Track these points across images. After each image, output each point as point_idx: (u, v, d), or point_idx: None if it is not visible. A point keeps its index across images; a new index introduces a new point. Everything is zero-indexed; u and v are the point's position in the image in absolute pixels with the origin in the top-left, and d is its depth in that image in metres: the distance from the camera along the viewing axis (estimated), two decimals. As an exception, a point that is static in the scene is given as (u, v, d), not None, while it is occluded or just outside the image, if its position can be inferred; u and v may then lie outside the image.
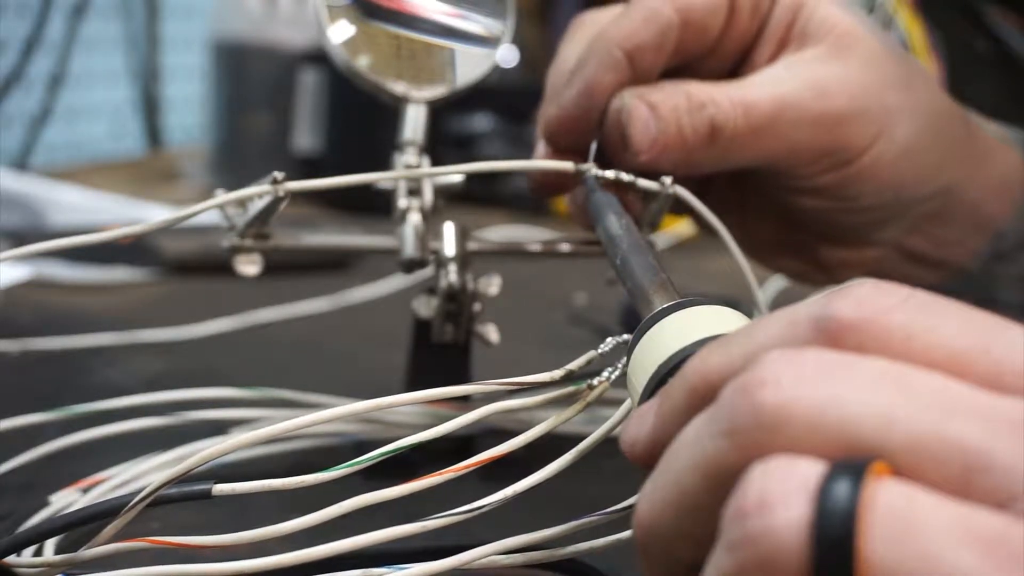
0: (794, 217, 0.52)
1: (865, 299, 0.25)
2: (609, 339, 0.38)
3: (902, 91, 0.48)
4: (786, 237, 0.53)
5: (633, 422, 0.29)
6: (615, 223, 0.40)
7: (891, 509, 0.22)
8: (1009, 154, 0.53)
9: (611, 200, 0.42)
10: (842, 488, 0.22)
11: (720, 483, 0.25)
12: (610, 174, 0.45)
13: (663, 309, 0.33)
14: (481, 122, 1.22)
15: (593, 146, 0.47)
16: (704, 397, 0.27)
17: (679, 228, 0.92)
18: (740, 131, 0.46)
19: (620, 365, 0.37)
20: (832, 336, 0.25)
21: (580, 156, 0.47)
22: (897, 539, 0.22)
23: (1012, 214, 0.52)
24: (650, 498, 0.27)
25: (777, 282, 0.75)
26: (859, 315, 0.25)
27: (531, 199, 1.07)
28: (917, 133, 0.49)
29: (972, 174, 0.51)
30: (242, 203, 0.46)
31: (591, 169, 0.45)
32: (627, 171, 0.46)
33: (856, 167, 0.48)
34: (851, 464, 0.23)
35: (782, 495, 0.23)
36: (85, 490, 0.44)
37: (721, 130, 0.46)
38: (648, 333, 0.32)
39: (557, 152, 0.49)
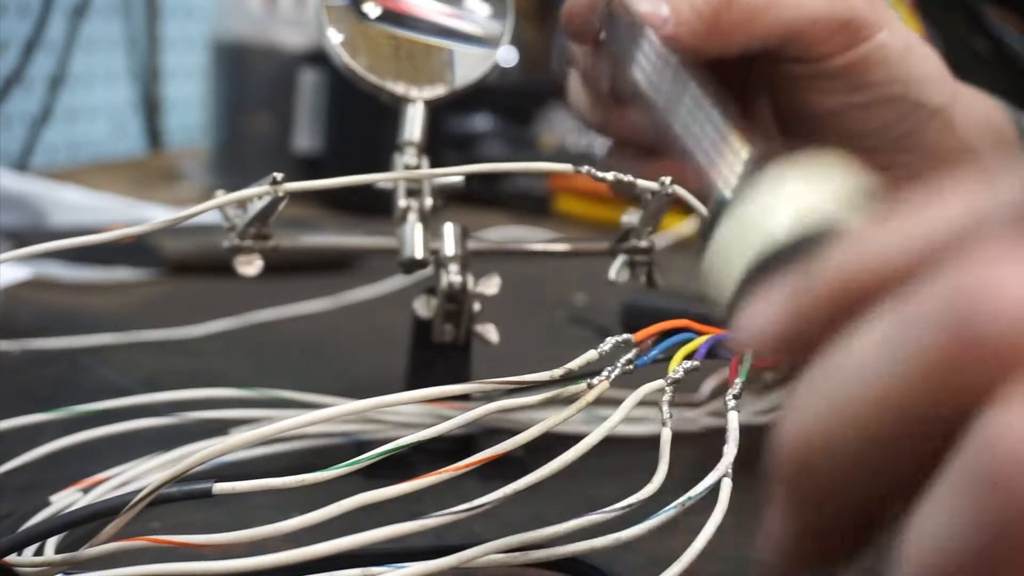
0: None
1: None
2: (609, 339, 0.38)
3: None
4: None
5: (756, 306, 0.23)
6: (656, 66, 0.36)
7: None
8: (993, 104, 0.54)
9: (645, 32, 0.38)
10: None
11: (937, 403, 0.19)
12: (609, 176, 0.45)
13: (755, 166, 0.26)
14: (481, 122, 1.22)
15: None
16: (871, 294, 0.21)
17: (679, 228, 0.92)
18: None
19: (620, 364, 0.37)
20: None
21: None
22: None
23: None
24: (813, 414, 0.20)
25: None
26: None
27: (531, 199, 1.07)
28: (914, 37, 0.50)
29: (963, 112, 0.52)
30: (242, 203, 0.47)
31: (590, 171, 0.45)
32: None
33: (868, 48, 0.48)
34: None
35: None
36: (86, 490, 0.44)
37: None
38: (745, 197, 0.25)
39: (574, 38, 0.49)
